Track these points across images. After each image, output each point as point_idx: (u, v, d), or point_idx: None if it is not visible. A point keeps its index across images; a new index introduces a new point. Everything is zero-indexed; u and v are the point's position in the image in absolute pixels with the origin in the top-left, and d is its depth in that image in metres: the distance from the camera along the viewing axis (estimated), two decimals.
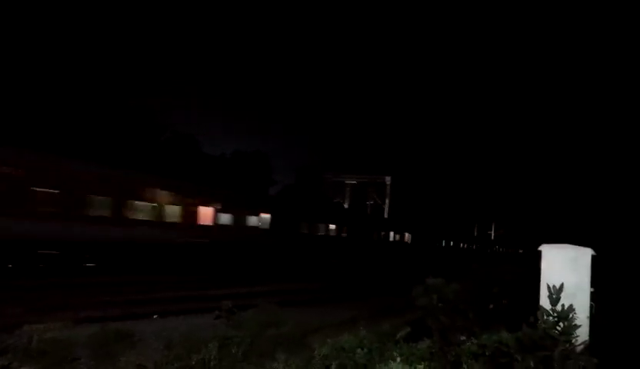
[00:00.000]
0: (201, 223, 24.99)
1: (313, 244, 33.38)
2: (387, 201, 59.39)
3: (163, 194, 23.24)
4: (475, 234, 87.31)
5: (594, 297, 4.84)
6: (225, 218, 26.33)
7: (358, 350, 5.05)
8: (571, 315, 4.26)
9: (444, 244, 62.78)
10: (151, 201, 22.58)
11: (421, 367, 3.80)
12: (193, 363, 5.66)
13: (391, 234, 48.40)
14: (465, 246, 72.60)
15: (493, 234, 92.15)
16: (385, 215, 58.84)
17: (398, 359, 3.91)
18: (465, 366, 3.97)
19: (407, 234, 51.01)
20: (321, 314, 12.53)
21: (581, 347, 4.38)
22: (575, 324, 4.26)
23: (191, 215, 24.32)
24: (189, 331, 7.70)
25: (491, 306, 7.94)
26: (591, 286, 4.85)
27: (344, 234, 38.75)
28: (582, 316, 4.55)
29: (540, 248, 5.10)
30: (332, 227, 37.66)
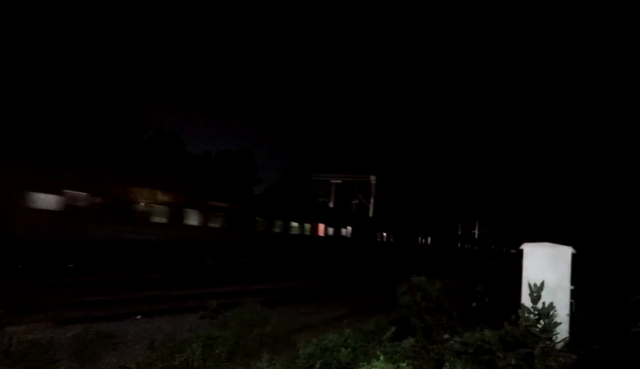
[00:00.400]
0: (319, 234, 37.85)
1: (372, 247, 46.40)
2: (371, 200, 59.51)
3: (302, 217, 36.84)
4: (459, 232, 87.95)
5: (574, 294, 4.91)
6: (330, 230, 39.63)
7: (342, 349, 5.06)
8: (551, 313, 4.32)
9: (432, 243, 64.52)
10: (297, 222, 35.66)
11: (404, 365, 3.82)
12: (176, 363, 5.62)
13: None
14: (454, 245, 73.36)
15: (477, 233, 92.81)
16: (370, 214, 59.02)
17: (382, 357, 3.92)
18: (447, 364, 4.00)
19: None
20: (318, 312, 12.58)
21: (562, 343, 4.44)
22: (556, 322, 4.32)
23: (315, 230, 37.31)
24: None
25: (474, 304, 8.01)
26: (572, 284, 4.91)
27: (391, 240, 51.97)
28: (562, 313, 4.62)
29: (522, 246, 5.16)
30: (384, 234, 50.44)
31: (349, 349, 5.02)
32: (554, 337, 4.24)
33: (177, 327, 9.90)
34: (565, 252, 4.94)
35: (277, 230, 32.65)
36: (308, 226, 36.67)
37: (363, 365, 3.79)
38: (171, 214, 24.43)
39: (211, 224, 26.93)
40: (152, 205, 23.56)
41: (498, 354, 3.93)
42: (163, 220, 24.05)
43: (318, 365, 5.01)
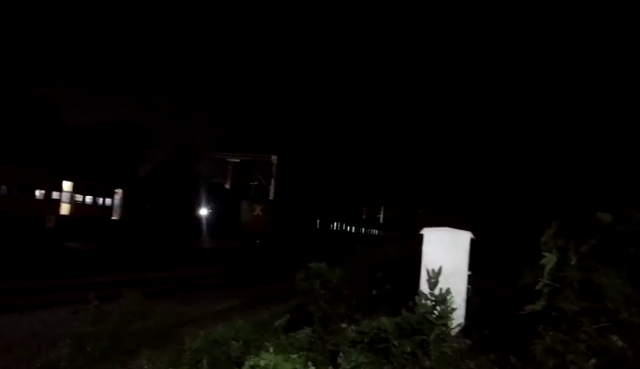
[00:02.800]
0: None
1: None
2: (272, 181, 59.47)
3: None
4: (364, 217, 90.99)
5: (471, 280, 5.24)
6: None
7: (233, 342, 5.01)
8: (448, 298, 4.59)
9: (336, 228, 66.18)
10: None
11: (296, 356, 3.86)
12: (38, 365, 5.25)
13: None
14: (354, 229, 75.63)
15: (382, 218, 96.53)
16: (271, 196, 59.08)
17: (271, 350, 3.94)
18: (342, 354, 4.10)
19: None
20: (210, 302, 12.42)
21: (457, 329, 4.74)
22: (452, 307, 4.59)
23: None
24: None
25: (375, 291, 8.31)
26: (470, 269, 5.24)
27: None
28: (459, 299, 4.92)
29: (422, 231, 5.39)
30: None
31: (240, 342, 4.99)
32: (450, 323, 4.50)
33: (43, 325, 9.29)
34: (464, 237, 5.24)
35: None
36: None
37: (252, 358, 3.78)
38: None
39: None
40: None
41: (393, 342, 4.10)
42: None
43: (205, 360, 4.93)
